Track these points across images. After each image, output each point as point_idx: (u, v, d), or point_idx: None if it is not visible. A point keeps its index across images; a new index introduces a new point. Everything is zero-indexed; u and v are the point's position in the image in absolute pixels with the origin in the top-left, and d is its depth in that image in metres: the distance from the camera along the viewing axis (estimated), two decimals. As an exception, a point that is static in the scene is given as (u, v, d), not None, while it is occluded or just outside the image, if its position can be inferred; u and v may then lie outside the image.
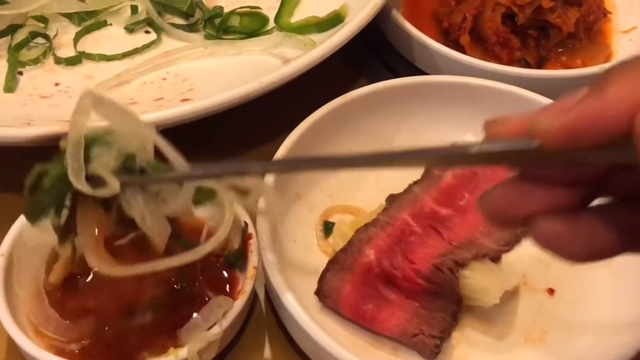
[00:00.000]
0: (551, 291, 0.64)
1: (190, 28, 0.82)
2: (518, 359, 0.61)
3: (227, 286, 0.61)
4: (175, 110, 0.65)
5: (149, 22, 0.83)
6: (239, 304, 0.58)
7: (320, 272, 0.63)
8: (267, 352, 0.62)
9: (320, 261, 0.65)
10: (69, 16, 0.83)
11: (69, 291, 0.60)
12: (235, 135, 0.77)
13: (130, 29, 0.83)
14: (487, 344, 0.61)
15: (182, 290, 0.61)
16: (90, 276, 0.60)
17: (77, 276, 0.60)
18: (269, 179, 0.64)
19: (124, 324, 0.59)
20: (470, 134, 0.75)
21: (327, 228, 0.68)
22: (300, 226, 0.68)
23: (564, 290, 0.64)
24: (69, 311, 0.59)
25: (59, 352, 0.57)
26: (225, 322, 0.57)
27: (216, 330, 0.57)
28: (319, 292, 0.62)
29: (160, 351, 0.57)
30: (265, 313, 0.64)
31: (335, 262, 0.63)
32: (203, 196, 0.53)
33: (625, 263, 0.64)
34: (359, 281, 0.62)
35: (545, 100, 0.72)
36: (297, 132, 0.68)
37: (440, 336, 0.59)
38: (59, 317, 0.59)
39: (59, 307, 0.59)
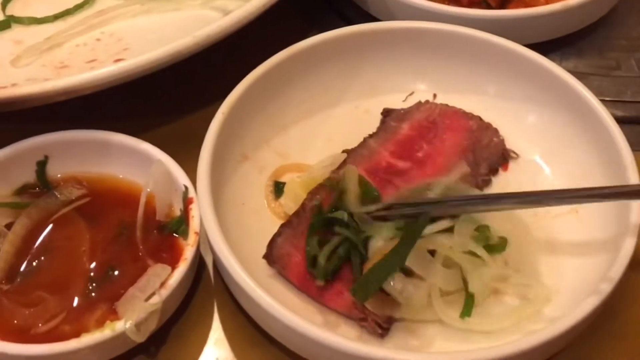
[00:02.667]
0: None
1: (126, -16, 0.78)
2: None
3: (171, 254, 0.58)
4: (104, 71, 0.60)
5: (82, -20, 0.78)
6: (179, 272, 0.55)
7: (271, 235, 0.59)
8: (215, 319, 0.59)
9: (272, 223, 0.61)
10: (-5, -22, 0.78)
11: (13, 281, 0.57)
12: (180, 93, 0.73)
13: (62, -11, 0.78)
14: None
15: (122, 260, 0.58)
16: (27, 262, 0.58)
17: (17, 266, 0.58)
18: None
19: (63, 301, 0.56)
20: (427, 83, 0.71)
21: (278, 189, 0.64)
22: (249, 188, 0.64)
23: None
24: (19, 300, 0.56)
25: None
26: (165, 292, 0.54)
27: (155, 300, 0.53)
28: (267, 257, 0.58)
29: (98, 326, 0.53)
30: (214, 281, 0.61)
31: (288, 227, 0.59)
32: None
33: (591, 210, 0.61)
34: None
35: (509, 44, 0.68)
36: (240, 88, 0.64)
37: (386, 326, 0.55)
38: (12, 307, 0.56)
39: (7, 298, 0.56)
